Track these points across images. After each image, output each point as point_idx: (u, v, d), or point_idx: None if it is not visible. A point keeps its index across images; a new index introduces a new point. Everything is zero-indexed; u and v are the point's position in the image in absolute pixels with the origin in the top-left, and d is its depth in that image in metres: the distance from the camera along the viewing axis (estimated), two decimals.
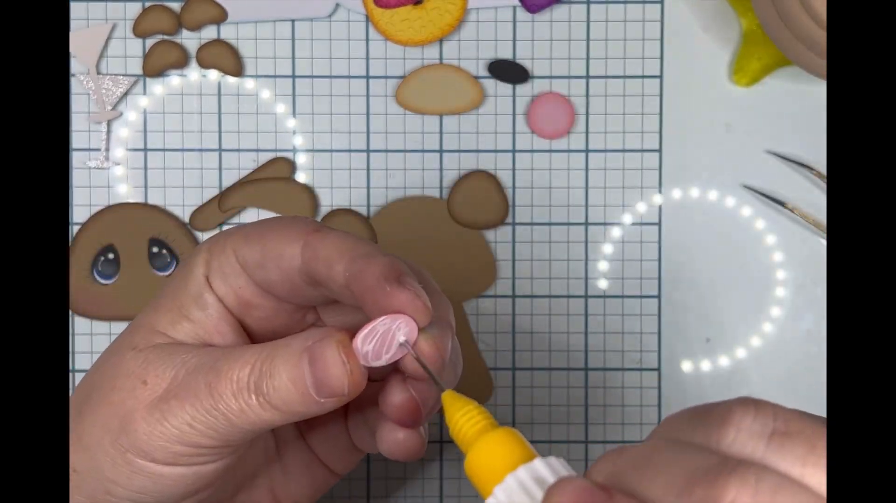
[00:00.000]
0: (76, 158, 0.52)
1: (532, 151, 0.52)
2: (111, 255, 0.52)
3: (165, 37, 0.52)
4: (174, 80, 0.52)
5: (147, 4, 0.52)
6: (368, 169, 0.52)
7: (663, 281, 0.53)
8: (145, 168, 0.52)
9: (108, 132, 0.52)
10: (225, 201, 0.52)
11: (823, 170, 0.52)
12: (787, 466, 0.29)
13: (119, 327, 0.52)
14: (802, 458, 0.29)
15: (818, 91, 0.52)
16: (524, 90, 0.52)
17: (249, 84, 0.52)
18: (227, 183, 0.52)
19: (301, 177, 0.52)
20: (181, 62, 0.52)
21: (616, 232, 0.52)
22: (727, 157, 0.52)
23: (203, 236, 0.52)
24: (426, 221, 0.52)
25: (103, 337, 0.52)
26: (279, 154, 0.52)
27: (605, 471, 0.31)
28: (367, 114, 0.52)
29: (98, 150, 0.52)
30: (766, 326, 0.52)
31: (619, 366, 0.52)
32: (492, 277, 0.52)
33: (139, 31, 0.52)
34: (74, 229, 0.52)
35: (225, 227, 0.52)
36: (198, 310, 0.40)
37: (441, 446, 0.53)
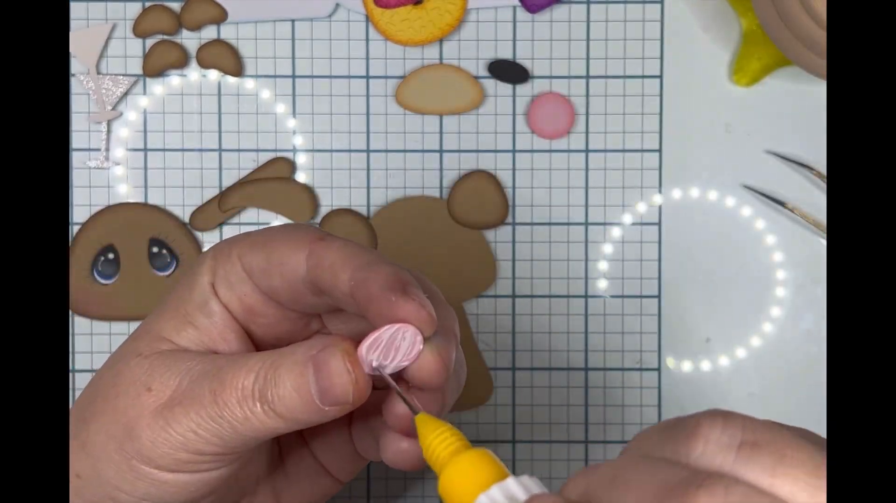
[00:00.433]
0: (76, 158, 0.52)
1: (532, 151, 0.52)
2: (111, 255, 0.52)
3: (165, 37, 0.52)
4: (174, 80, 0.52)
5: (147, 4, 0.52)
6: (368, 169, 0.52)
7: (663, 281, 0.53)
8: (145, 168, 0.52)
9: (108, 132, 0.52)
10: (225, 201, 0.52)
11: (823, 170, 0.52)
12: (755, 477, 0.29)
13: (119, 327, 0.52)
14: (771, 469, 0.29)
15: (818, 91, 0.52)
16: (524, 90, 0.52)
17: (249, 84, 0.52)
18: (227, 183, 0.52)
19: (301, 177, 0.52)
20: (181, 62, 0.52)
21: (616, 232, 0.52)
22: (727, 157, 0.52)
23: (203, 236, 0.52)
24: (426, 221, 0.52)
25: (103, 337, 0.52)
26: (279, 154, 0.52)
27: (579, 489, 0.31)
28: (367, 114, 0.52)
29: (98, 150, 0.52)
30: (766, 326, 0.52)
31: (619, 366, 0.52)
32: (492, 277, 0.52)
33: (139, 31, 0.52)
34: (74, 229, 0.52)
35: (225, 227, 0.52)
36: (203, 317, 0.40)
37: None
